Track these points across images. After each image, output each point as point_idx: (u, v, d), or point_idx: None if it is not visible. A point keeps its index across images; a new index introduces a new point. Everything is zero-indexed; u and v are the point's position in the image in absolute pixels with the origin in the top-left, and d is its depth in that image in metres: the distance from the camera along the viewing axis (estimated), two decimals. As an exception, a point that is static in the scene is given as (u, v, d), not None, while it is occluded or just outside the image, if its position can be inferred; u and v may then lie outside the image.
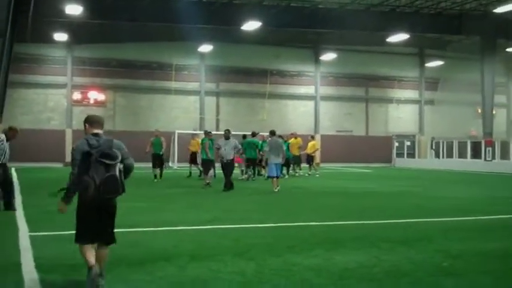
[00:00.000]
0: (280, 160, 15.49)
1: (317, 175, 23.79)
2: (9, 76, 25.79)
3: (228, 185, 15.61)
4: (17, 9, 22.07)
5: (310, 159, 24.31)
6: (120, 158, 5.00)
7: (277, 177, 15.46)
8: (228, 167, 15.88)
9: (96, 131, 5.13)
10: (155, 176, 19.04)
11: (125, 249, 6.86)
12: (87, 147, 4.92)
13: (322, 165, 31.29)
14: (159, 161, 19.22)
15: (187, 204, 12.21)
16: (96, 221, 4.99)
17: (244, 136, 21.71)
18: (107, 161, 4.87)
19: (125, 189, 5.08)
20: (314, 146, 24.80)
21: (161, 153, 19.08)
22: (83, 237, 5.03)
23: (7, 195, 10.44)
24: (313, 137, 26.80)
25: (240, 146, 16.78)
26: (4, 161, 10.21)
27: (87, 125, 5.21)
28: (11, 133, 10.50)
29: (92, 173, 4.82)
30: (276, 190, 15.13)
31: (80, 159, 4.89)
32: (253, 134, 20.82)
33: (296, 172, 23.62)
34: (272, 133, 16.00)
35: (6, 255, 6.49)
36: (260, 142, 20.35)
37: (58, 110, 31.91)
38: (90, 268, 4.89)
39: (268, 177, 16.64)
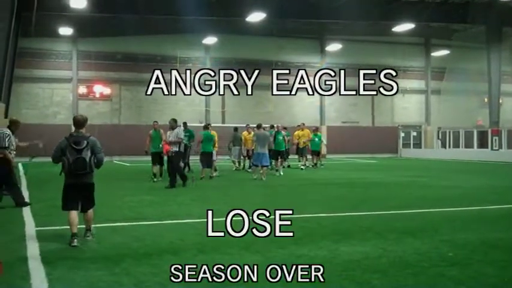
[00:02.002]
0: (266, 150, 16.96)
1: (322, 166, 23.77)
2: (15, 71, 25.87)
3: (172, 181, 14.09)
4: (22, 3, 22.08)
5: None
6: (84, 145, 6.83)
7: (263, 166, 16.91)
8: (172, 159, 14.40)
9: (77, 129, 7.04)
10: (154, 175, 16.51)
11: (131, 242, 6.91)
12: (65, 141, 6.88)
13: (328, 156, 31.26)
14: (159, 157, 16.75)
15: (192, 197, 12.22)
16: (73, 195, 6.96)
17: (236, 128, 21.66)
18: (76, 147, 6.81)
19: (93, 170, 6.96)
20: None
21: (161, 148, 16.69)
22: (65, 205, 7.00)
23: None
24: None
25: (181, 135, 14.42)
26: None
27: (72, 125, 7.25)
28: (14, 126, 10.61)
29: (67, 155, 6.82)
30: (258, 178, 16.58)
31: (58, 149, 6.92)
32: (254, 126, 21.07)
33: (304, 164, 23.62)
34: (258, 126, 17.72)
35: (13, 250, 6.52)
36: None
37: (64, 105, 32.00)
38: (71, 236, 6.77)
39: (252, 165, 18.19)
